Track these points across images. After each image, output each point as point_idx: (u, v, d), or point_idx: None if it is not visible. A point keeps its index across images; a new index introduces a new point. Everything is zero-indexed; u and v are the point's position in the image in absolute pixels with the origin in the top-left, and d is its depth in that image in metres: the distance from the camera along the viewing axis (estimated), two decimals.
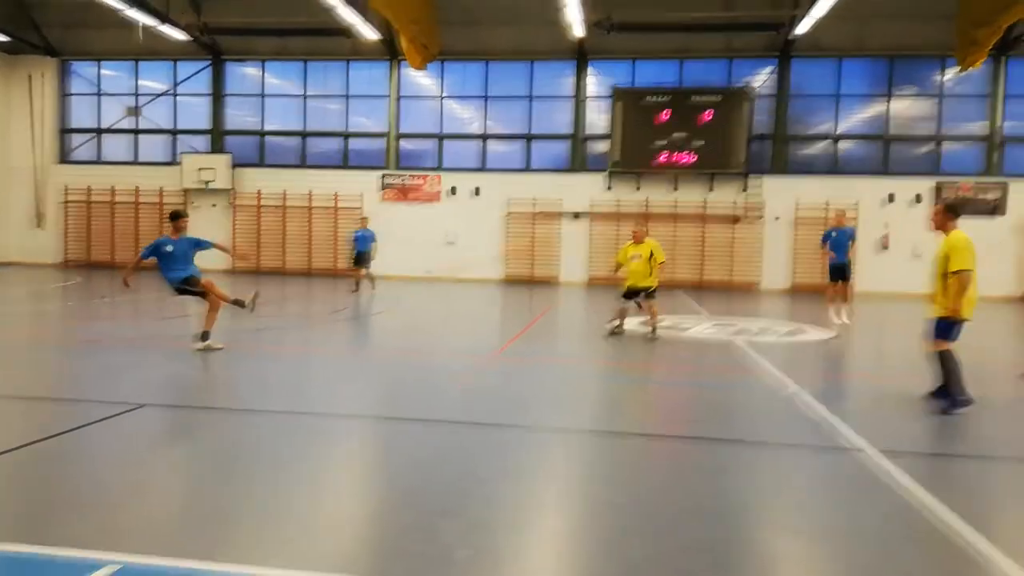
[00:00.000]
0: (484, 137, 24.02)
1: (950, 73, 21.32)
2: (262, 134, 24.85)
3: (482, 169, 23.86)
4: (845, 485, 4.61)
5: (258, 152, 24.86)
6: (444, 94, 24.11)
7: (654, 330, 10.90)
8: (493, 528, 3.81)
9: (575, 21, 19.34)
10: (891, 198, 21.66)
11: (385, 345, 11.02)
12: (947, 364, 6.48)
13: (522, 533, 3.83)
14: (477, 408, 6.58)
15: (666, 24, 21.30)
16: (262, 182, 24.35)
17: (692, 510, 4.09)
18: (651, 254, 11.02)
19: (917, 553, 3.64)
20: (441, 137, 24.13)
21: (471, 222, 23.25)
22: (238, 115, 25.03)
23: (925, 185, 21.52)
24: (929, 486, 4.39)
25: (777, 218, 22.27)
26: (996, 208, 21.12)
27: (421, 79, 23.79)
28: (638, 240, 11.08)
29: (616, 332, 11.05)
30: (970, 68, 19.57)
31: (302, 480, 4.44)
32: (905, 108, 22.12)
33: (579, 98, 23.32)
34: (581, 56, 22.97)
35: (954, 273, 6.33)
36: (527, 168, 23.71)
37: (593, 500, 4.32)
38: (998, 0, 17.53)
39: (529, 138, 23.77)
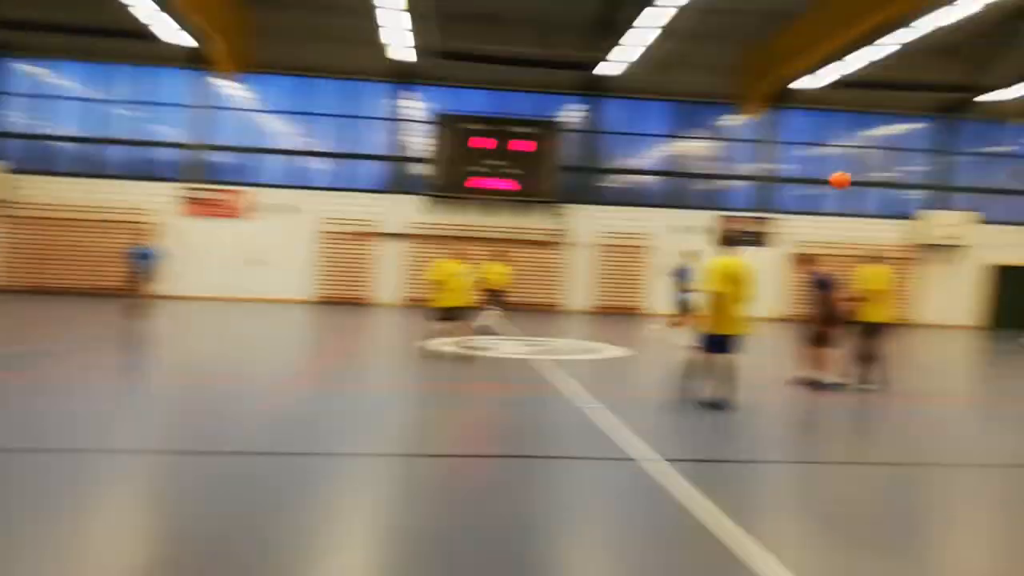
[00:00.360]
0: (299, 153, 23.34)
1: (733, 119, 23.96)
2: (46, 139, 22.39)
3: (296, 186, 23.14)
4: (629, 492, 5.01)
5: (45, 159, 22.34)
6: (259, 107, 23.15)
7: (467, 350, 11.13)
8: (274, 565, 3.72)
9: (397, 44, 19.46)
10: (675, 228, 23.78)
11: (173, 370, 10.30)
12: (689, 368, 7.52)
13: (305, 568, 3.77)
14: (270, 437, 6.36)
15: (488, 55, 22.03)
16: (50, 192, 21.84)
17: (484, 528, 4.24)
18: (473, 274, 11.30)
19: (691, 552, 4.04)
20: (253, 151, 23.10)
21: (283, 240, 22.39)
22: (22, 118, 22.41)
23: (706, 217, 23.91)
24: (701, 488, 4.89)
25: (584, 245, 23.67)
26: (764, 240, 23.89)
27: (234, 91, 22.69)
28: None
29: (434, 353, 11.14)
30: (747, 116, 22.15)
31: (56, 525, 4.06)
32: (695, 148, 24.53)
33: (400, 120, 23.41)
34: (404, 78, 23.10)
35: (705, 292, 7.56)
36: (343, 187, 23.33)
37: (386, 527, 4.35)
38: (774, 57, 20.07)
39: (346, 157, 23.45)
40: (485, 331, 14.50)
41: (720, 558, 3.86)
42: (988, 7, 16.57)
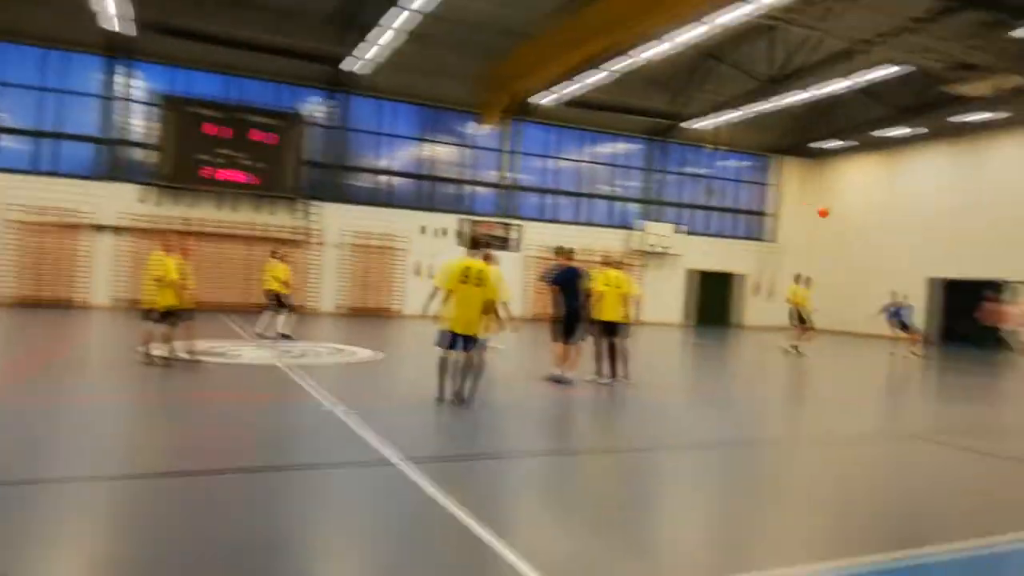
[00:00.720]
0: None
1: (476, 127, 24.79)
2: None
3: None
4: (379, 495, 4.81)
5: None
6: None
7: (193, 355, 10.10)
8: None
9: (107, 13, 17.09)
10: (423, 230, 24.10)
11: None
12: (440, 367, 7.95)
13: None
14: None
15: (220, 37, 20.29)
16: None
17: (213, 549, 3.78)
18: (185, 272, 10.13)
19: (442, 546, 3.95)
20: None
21: None
22: None
23: (455, 220, 24.53)
24: (449, 487, 4.85)
25: (333, 244, 22.91)
26: (509, 244, 25.12)
27: None
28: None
29: (156, 359, 9.84)
30: (489, 125, 23.09)
31: None
32: (443, 152, 24.97)
33: (113, 98, 20.71)
34: (119, 53, 20.45)
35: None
36: (39, 170, 20.04)
37: (98, 558, 3.69)
38: (512, 70, 21.08)
39: (44, 135, 20.18)
40: (280, 336, 13.94)
41: (468, 551, 3.85)
42: (688, 47, 19.05)
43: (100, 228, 20.20)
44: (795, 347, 16.85)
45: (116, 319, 17.53)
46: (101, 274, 20.30)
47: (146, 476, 5.08)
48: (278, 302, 14.43)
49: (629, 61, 19.78)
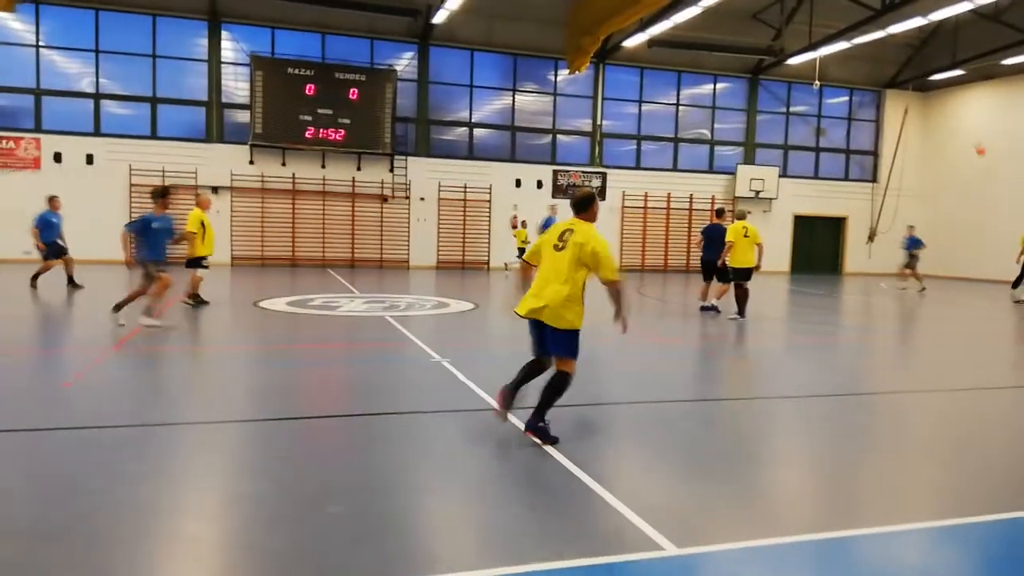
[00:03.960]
0: (97, 96, 20.74)
1: (562, 74, 24.26)
2: None
3: (96, 133, 20.63)
4: (485, 443, 4.87)
5: None
6: (41, 43, 20.20)
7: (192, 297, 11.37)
8: (111, 543, 3.20)
9: None
10: (518, 183, 24.01)
11: None
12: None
13: (147, 543, 3.28)
14: (94, 409, 5.57)
15: None
16: None
17: (339, 489, 3.93)
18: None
19: (545, 492, 3.98)
20: (39, 93, 20.23)
21: (83, 195, 19.88)
22: None
23: (545, 172, 24.29)
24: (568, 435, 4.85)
25: (422, 199, 23.20)
26: (599, 194, 24.73)
27: (9, 23, 19.61)
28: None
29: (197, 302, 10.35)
30: (577, 72, 22.51)
31: None
32: (529, 102, 24.61)
33: (214, 62, 21.44)
34: (214, 16, 21.09)
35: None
36: (154, 135, 21.13)
37: (233, 494, 3.91)
38: (598, 12, 20.39)
39: (155, 101, 21.17)
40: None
41: (580, 496, 3.85)
42: None
43: (212, 190, 21.17)
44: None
45: (235, 275, 18.44)
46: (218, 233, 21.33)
47: (268, 421, 5.34)
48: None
49: None
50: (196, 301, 11.38)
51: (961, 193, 26.41)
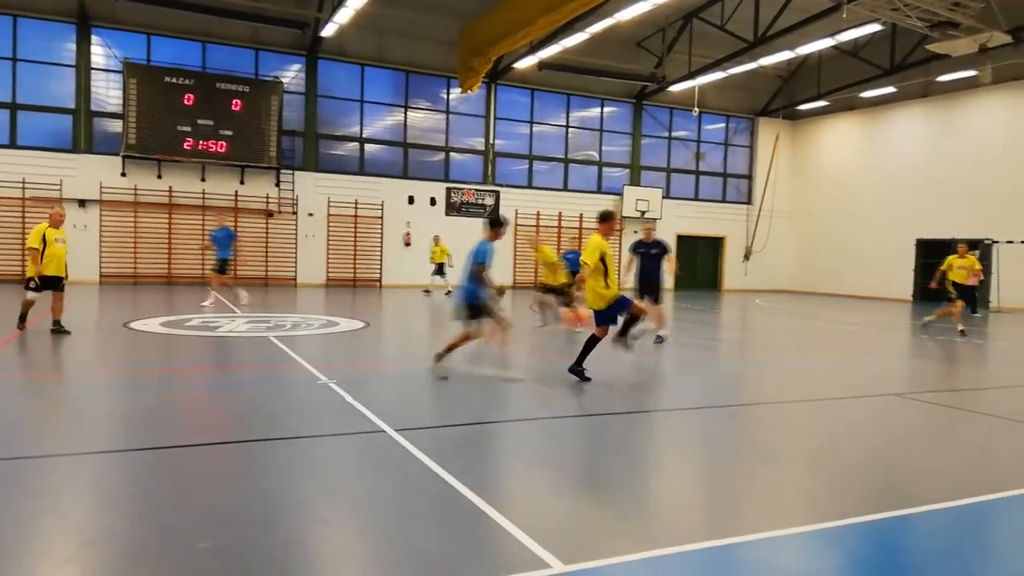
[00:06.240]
0: None
1: (455, 92, 24.35)
2: None
3: None
4: (370, 465, 4.72)
5: None
6: None
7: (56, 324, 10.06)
8: None
9: None
10: (411, 199, 23.82)
11: None
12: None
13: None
14: None
15: (184, 1, 19.65)
16: None
17: (212, 522, 3.68)
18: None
19: (434, 515, 3.88)
20: None
21: None
22: None
23: (439, 189, 24.23)
24: (436, 455, 4.78)
25: (311, 214, 22.58)
26: (491, 211, 24.91)
27: None
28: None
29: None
30: (469, 91, 22.66)
31: None
32: (421, 119, 24.52)
33: (82, 67, 20.09)
34: (83, 19, 19.80)
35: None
36: (13, 144, 19.51)
37: (92, 534, 3.58)
38: (489, 34, 20.63)
39: (15, 108, 19.58)
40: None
41: (469, 518, 3.79)
42: (668, 6, 18.69)
43: (82, 203, 19.73)
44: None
45: (103, 293, 17.19)
46: (79, 249, 19.87)
47: (136, 452, 4.95)
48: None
49: (611, 21, 19.41)
50: (22, 324, 10.08)
51: (826, 215, 28.46)
